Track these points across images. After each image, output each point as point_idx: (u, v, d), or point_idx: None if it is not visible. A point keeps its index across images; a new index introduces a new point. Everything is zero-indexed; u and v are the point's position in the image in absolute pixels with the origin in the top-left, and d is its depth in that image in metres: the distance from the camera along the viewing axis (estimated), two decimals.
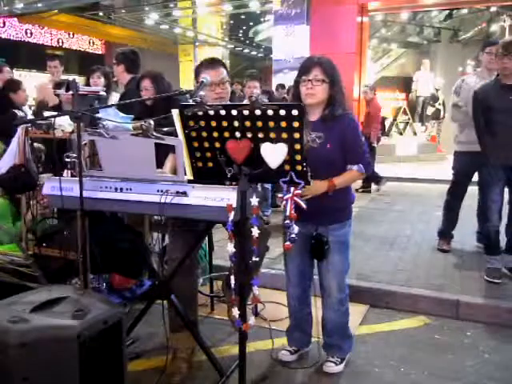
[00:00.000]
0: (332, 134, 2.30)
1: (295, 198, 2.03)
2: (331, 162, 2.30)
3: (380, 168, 7.17)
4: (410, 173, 8.83)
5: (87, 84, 4.18)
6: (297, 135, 1.84)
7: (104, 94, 3.07)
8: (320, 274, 2.49)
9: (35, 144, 3.28)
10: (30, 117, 4.50)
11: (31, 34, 14.15)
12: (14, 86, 4.58)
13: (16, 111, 4.38)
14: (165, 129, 2.34)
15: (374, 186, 7.38)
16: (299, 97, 2.35)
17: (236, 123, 1.86)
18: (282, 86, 7.44)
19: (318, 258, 2.41)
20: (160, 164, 2.32)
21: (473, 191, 4.30)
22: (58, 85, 4.54)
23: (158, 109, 2.92)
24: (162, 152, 2.33)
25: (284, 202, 2.05)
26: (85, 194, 2.17)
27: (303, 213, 2.06)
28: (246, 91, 5.62)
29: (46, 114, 3.32)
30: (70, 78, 4.71)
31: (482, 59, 4.17)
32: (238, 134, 1.88)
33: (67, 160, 2.43)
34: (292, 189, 2.01)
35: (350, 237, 2.49)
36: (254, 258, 1.88)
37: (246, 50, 20.10)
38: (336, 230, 2.39)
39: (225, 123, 1.88)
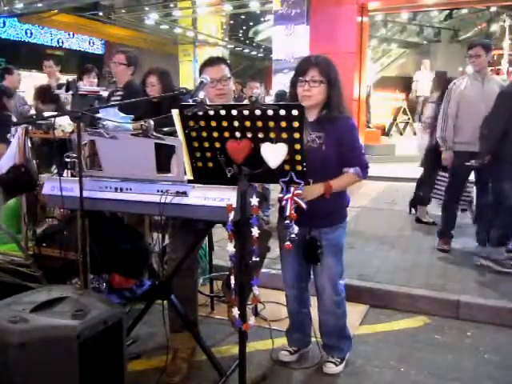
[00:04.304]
0: (328, 136, 2.28)
1: (295, 198, 2.03)
2: (326, 163, 2.29)
3: (380, 168, 7.13)
4: (410, 173, 8.82)
5: None
6: (297, 135, 1.83)
7: (104, 94, 3.07)
8: (315, 277, 2.49)
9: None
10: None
11: (31, 33, 14.15)
12: (9, 92, 4.84)
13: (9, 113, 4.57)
14: (165, 129, 2.34)
15: None
16: (296, 97, 2.33)
17: (236, 123, 1.86)
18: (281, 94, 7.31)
19: (312, 261, 2.41)
20: (162, 167, 2.32)
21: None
22: (40, 91, 4.64)
23: (163, 106, 2.93)
24: (164, 154, 2.33)
25: (284, 202, 2.05)
26: (85, 194, 2.17)
27: (298, 216, 2.05)
28: (247, 91, 5.64)
29: (46, 114, 3.33)
30: (70, 78, 4.77)
31: None
32: (238, 134, 1.88)
33: (67, 160, 2.42)
34: (292, 189, 2.01)
35: (345, 239, 2.48)
36: (254, 258, 1.88)
37: (246, 50, 20.11)
38: (329, 233, 2.38)
39: (225, 123, 1.88)
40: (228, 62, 2.77)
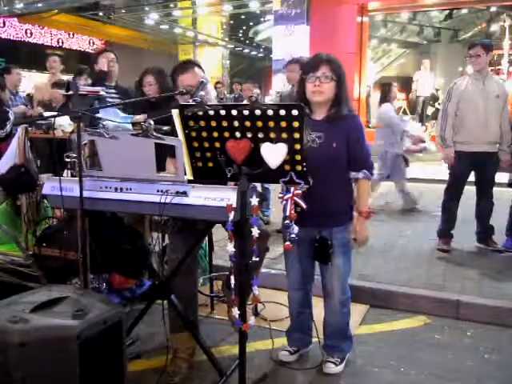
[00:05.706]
0: (338, 134, 2.29)
1: (295, 198, 2.03)
2: (335, 161, 2.29)
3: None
4: (410, 173, 8.81)
5: None
6: (297, 135, 1.83)
7: (104, 93, 3.07)
8: (323, 277, 2.48)
9: None
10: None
11: (31, 34, 14.15)
12: (2, 84, 4.79)
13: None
14: (164, 128, 2.34)
15: None
16: (304, 94, 2.32)
17: (236, 123, 1.86)
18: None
19: (323, 261, 2.40)
20: (162, 166, 2.32)
21: (473, 191, 4.31)
22: (56, 84, 4.61)
23: (161, 104, 2.92)
24: (164, 154, 2.33)
25: (284, 202, 2.05)
26: (85, 193, 2.17)
27: (306, 216, 2.05)
28: (244, 93, 5.66)
29: (46, 114, 3.33)
30: (70, 77, 4.78)
31: None
32: (237, 134, 1.88)
33: (67, 160, 2.42)
34: (292, 189, 2.01)
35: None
36: (254, 258, 1.88)
37: (246, 50, 20.12)
38: (339, 232, 2.38)
39: (225, 123, 1.88)
40: (199, 63, 2.68)
